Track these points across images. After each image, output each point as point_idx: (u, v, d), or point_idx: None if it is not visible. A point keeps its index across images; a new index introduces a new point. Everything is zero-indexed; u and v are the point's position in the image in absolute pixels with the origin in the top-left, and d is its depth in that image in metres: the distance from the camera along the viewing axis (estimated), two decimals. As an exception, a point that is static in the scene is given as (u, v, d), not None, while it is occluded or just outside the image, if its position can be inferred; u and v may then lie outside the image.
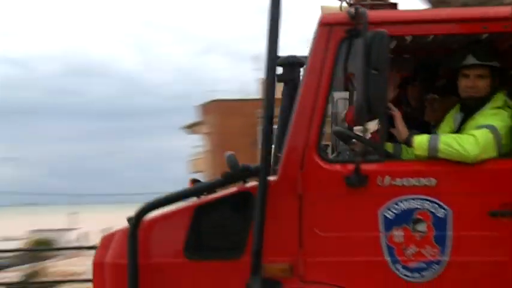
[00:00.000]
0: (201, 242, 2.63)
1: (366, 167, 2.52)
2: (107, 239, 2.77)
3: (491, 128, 2.60)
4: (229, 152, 2.69)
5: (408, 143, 2.67)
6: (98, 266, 2.69)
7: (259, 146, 2.57)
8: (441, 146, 2.55)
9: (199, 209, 2.67)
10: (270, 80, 2.60)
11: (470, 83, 2.75)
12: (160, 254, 2.63)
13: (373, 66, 2.37)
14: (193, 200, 2.81)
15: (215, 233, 2.59)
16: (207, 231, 2.63)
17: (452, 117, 2.89)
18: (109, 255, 2.65)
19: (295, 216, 2.54)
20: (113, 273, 2.63)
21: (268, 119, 2.56)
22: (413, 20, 2.82)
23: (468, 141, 2.55)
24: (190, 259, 2.57)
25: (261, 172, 2.50)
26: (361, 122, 2.52)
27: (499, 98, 2.71)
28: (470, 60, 2.72)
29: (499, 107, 2.70)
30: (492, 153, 2.57)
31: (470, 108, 2.79)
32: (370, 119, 2.52)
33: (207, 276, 2.56)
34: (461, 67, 2.77)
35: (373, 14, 2.67)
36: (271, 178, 2.61)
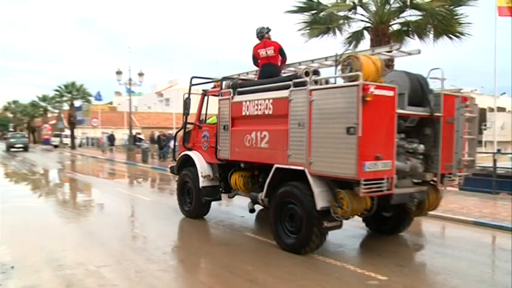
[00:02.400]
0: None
1: (201, 125, 11.15)
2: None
3: (217, 115, 10.25)
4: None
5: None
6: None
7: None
8: (207, 122, 10.90)
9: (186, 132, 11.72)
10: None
11: None
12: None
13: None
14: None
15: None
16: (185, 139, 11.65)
17: None
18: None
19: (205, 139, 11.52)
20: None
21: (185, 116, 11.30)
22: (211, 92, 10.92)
23: (211, 119, 10.79)
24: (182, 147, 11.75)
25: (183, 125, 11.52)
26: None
27: None
28: None
29: None
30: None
31: None
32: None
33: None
34: None
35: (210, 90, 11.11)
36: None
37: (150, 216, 11.71)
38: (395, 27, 15.77)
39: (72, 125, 51.32)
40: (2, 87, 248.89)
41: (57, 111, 63.95)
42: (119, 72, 32.11)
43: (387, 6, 14.99)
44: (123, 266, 7.19)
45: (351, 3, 15.18)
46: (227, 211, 12.70)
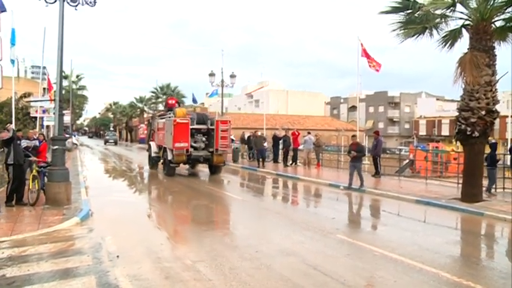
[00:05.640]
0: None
1: (154, 130, 25.37)
2: None
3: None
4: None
5: None
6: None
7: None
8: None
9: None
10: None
11: None
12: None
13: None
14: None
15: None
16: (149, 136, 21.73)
17: None
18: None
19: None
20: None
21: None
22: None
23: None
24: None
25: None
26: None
27: None
28: None
29: None
30: None
31: None
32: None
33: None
34: None
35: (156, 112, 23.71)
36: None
37: (241, 214, 11.95)
38: (498, 24, 14.79)
39: (167, 125, 53.68)
40: (105, 90, 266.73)
41: (152, 111, 67.26)
42: (211, 75, 33.03)
43: (490, 2, 14.06)
44: (218, 262, 7.41)
45: (450, 1, 14.42)
46: (315, 212, 12.69)
